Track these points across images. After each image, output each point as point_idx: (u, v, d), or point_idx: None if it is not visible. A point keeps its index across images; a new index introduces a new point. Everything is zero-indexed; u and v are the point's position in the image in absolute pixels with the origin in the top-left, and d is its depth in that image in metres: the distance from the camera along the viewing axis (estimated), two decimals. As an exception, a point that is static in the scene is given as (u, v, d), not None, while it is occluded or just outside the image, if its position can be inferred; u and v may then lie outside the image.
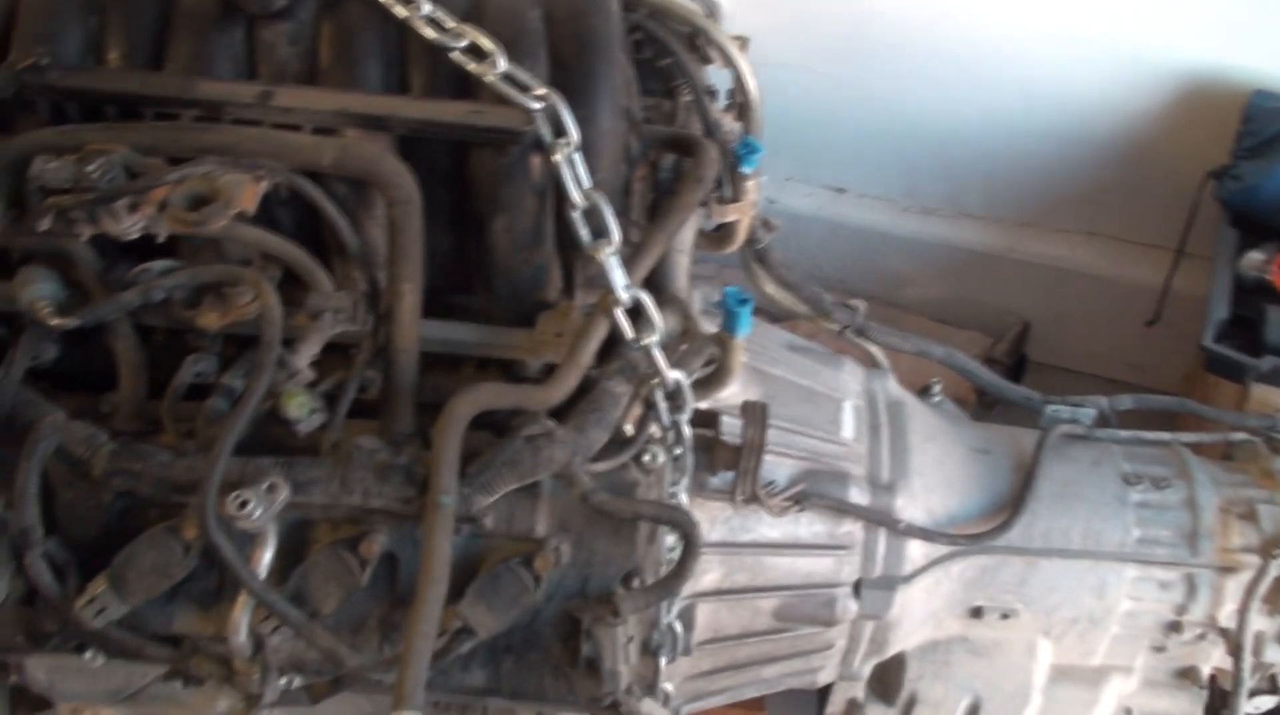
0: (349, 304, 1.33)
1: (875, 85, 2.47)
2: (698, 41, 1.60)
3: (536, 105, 1.28)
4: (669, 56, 1.57)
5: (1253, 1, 2.21)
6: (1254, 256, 2.24)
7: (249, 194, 1.25)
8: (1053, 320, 2.67)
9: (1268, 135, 2.26)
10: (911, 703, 1.90)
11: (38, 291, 1.32)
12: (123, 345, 1.36)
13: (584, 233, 1.32)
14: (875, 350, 1.96)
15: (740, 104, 1.65)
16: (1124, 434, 1.90)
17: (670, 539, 1.47)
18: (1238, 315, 2.20)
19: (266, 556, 1.29)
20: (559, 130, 1.29)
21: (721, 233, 1.68)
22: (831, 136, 2.51)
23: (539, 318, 1.41)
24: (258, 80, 1.33)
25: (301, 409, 1.28)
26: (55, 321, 1.31)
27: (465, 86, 1.32)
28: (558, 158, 1.30)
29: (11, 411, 1.31)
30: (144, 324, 1.38)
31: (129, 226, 1.26)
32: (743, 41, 1.63)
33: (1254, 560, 1.79)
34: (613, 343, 1.37)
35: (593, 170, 1.31)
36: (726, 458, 1.55)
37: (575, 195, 1.31)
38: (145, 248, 1.31)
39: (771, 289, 1.86)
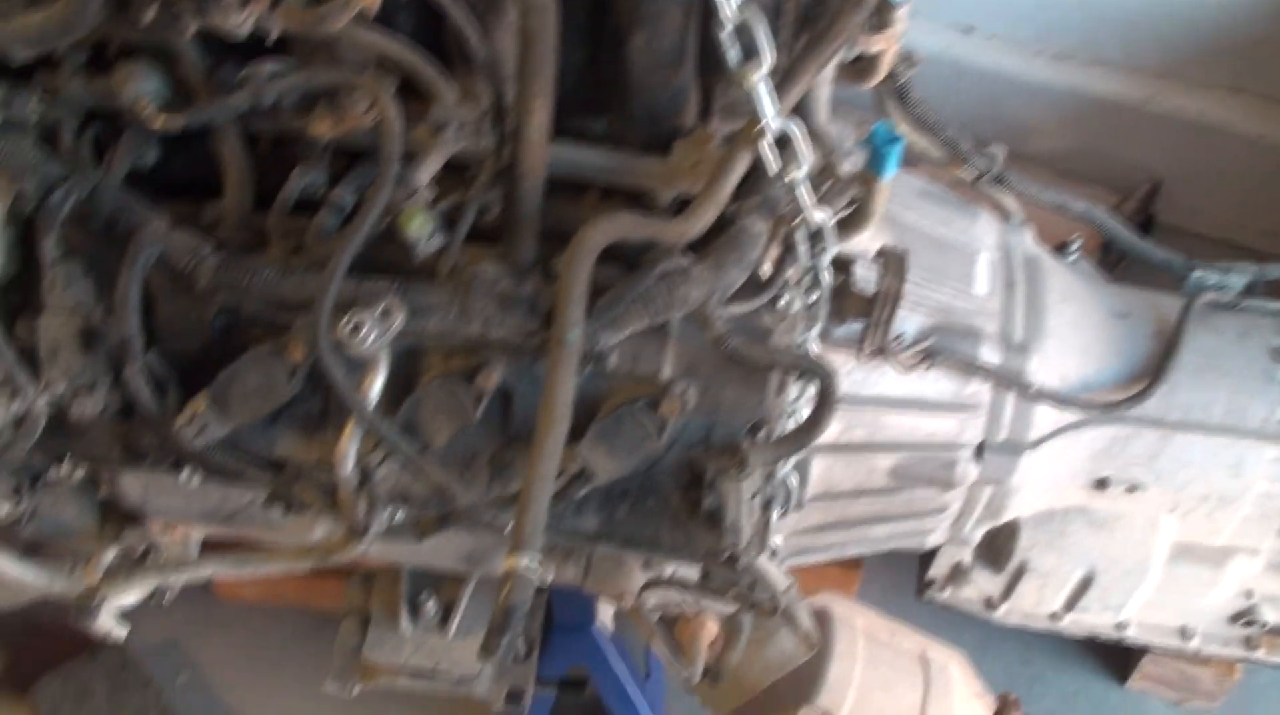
0: (474, 118, 1.22)
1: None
2: None
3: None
4: None
5: None
6: None
7: (373, -11, 1.14)
8: (1185, 180, 2.50)
9: None
10: (1021, 571, 1.84)
11: (141, 88, 1.22)
12: (230, 151, 1.26)
13: (733, 53, 1.19)
14: (1009, 201, 1.83)
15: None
16: (1275, 306, 1.77)
17: (794, 390, 1.38)
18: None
19: (377, 384, 1.21)
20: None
21: (862, 65, 1.54)
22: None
23: (674, 146, 1.29)
24: None
25: (421, 229, 1.18)
26: (159, 122, 1.21)
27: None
28: (708, -26, 1.16)
29: (112, 216, 1.23)
30: (250, 130, 1.28)
31: (240, 22, 1.15)
32: None
33: None
34: (751, 176, 1.26)
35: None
36: (857, 307, 1.45)
37: (726, 10, 1.17)
38: (252, 48, 1.21)
39: (906, 129, 1.72)
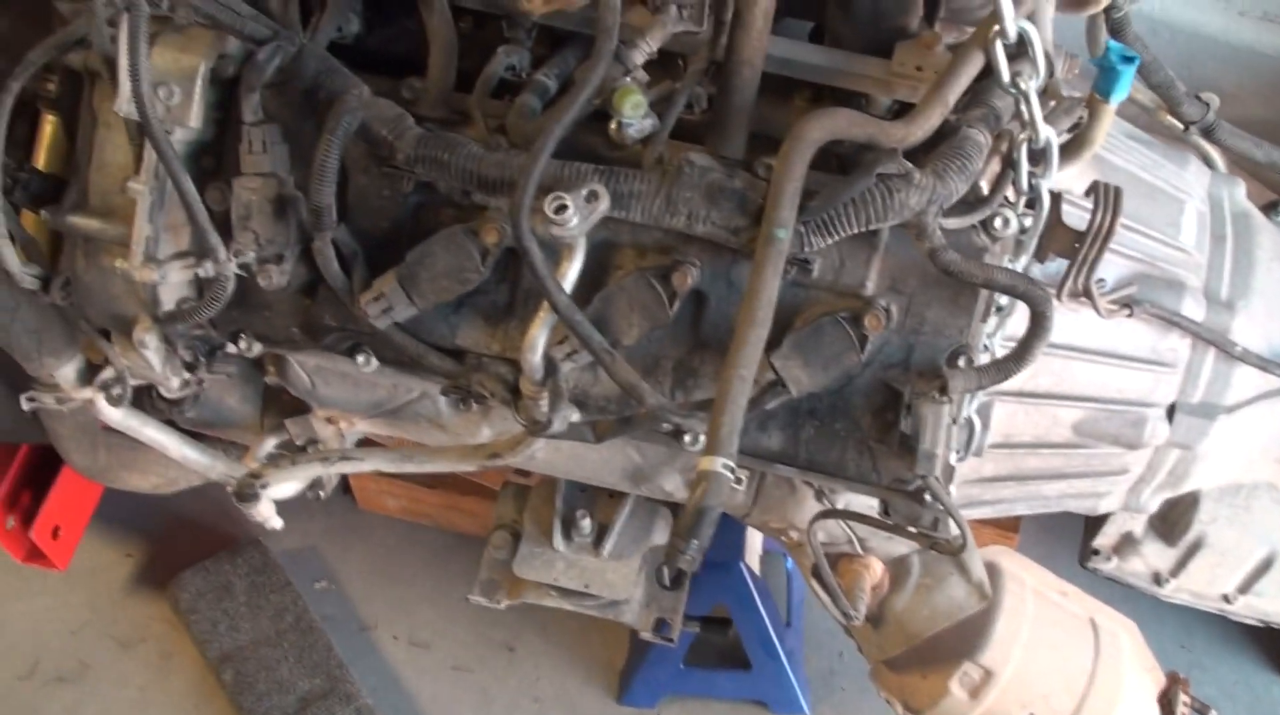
0: (695, 6, 1.16)
1: None
2: None
3: None
4: None
5: None
6: None
7: None
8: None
9: None
10: (1196, 546, 1.73)
11: (347, -53, 1.19)
12: (437, 21, 1.22)
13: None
14: (1216, 154, 1.72)
15: None
16: None
17: (993, 321, 1.31)
18: None
19: (573, 272, 1.17)
20: None
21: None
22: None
23: (897, 48, 1.23)
24: None
25: (637, 109, 1.14)
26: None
27: None
28: None
29: (315, 81, 1.20)
30: (456, 4, 1.25)
31: None
32: None
33: None
34: (976, 86, 1.19)
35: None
36: (1063, 242, 1.36)
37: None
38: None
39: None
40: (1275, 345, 1.55)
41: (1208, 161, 1.73)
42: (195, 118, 1.20)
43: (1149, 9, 2.35)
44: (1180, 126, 1.67)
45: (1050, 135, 1.20)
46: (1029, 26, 1.14)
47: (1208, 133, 1.67)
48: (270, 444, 1.57)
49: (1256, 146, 1.69)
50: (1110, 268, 1.49)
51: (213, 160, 1.26)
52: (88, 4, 1.19)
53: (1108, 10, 1.54)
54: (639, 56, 1.14)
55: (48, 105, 1.32)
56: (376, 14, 1.27)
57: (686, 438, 1.28)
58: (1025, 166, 1.22)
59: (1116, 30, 1.60)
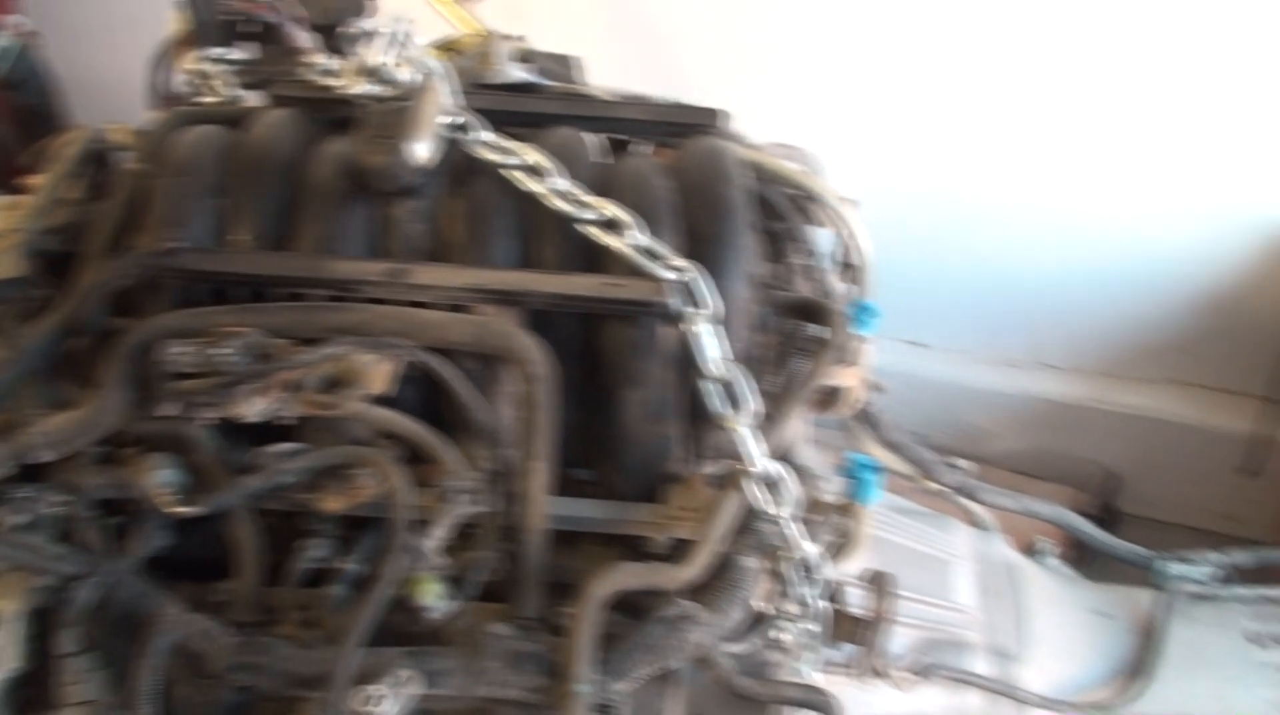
0: (480, 484, 1.28)
1: (955, 241, 2.47)
2: (807, 204, 1.59)
3: (671, 276, 1.26)
4: (781, 220, 1.55)
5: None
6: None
7: (383, 375, 1.23)
8: (1143, 471, 2.61)
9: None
10: None
11: (159, 478, 1.28)
12: (244, 532, 1.31)
13: (718, 404, 1.29)
14: (979, 510, 1.90)
15: (852, 266, 1.63)
16: (1246, 591, 1.83)
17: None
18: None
19: (394, 747, 1.22)
20: (693, 301, 1.27)
21: (833, 396, 1.64)
22: (910, 292, 2.49)
23: (667, 492, 1.36)
24: (388, 258, 1.31)
25: (433, 596, 1.23)
26: (177, 510, 1.27)
27: (597, 259, 1.31)
28: (693, 328, 1.27)
29: (128, 606, 1.26)
30: (259, 508, 1.34)
31: (258, 410, 1.23)
32: (852, 203, 1.61)
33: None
34: (743, 515, 1.33)
35: (728, 340, 1.28)
36: (848, 630, 1.49)
37: (711, 366, 1.27)
38: (259, 428, 1.29)
39: (875, 449, 1.82)
40: (1061, 685, 1.68)
41: (975, 518, 1.91)
42: (12, 659, 1.25)
43: (908, 369, 2.63)
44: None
45: (811, 551, 1.33)
46: (775, 466, 1.29)
47: (967, 494, 1.86)
48: None
49: (1012, 500, 1.88)
50: (900, 639, 1.62)
51: (32, 690, 1.29)
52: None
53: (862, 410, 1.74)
54: (433, 544, 1.25)
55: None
56: (187, 523, 1.35)
57: None
58: (796, 580, 1.34)
59: (872, 422, 1.80)
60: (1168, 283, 2.43)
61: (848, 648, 1.50)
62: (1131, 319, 2.51)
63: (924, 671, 1.57)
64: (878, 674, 1.53)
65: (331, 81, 1.43)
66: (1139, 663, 1.68)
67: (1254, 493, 2.46)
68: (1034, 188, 2.40)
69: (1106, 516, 2.68)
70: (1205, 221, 2.33)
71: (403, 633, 1.27)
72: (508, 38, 1.73)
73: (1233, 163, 2.25)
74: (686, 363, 1.29)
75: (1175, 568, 1.80)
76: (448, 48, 1.75)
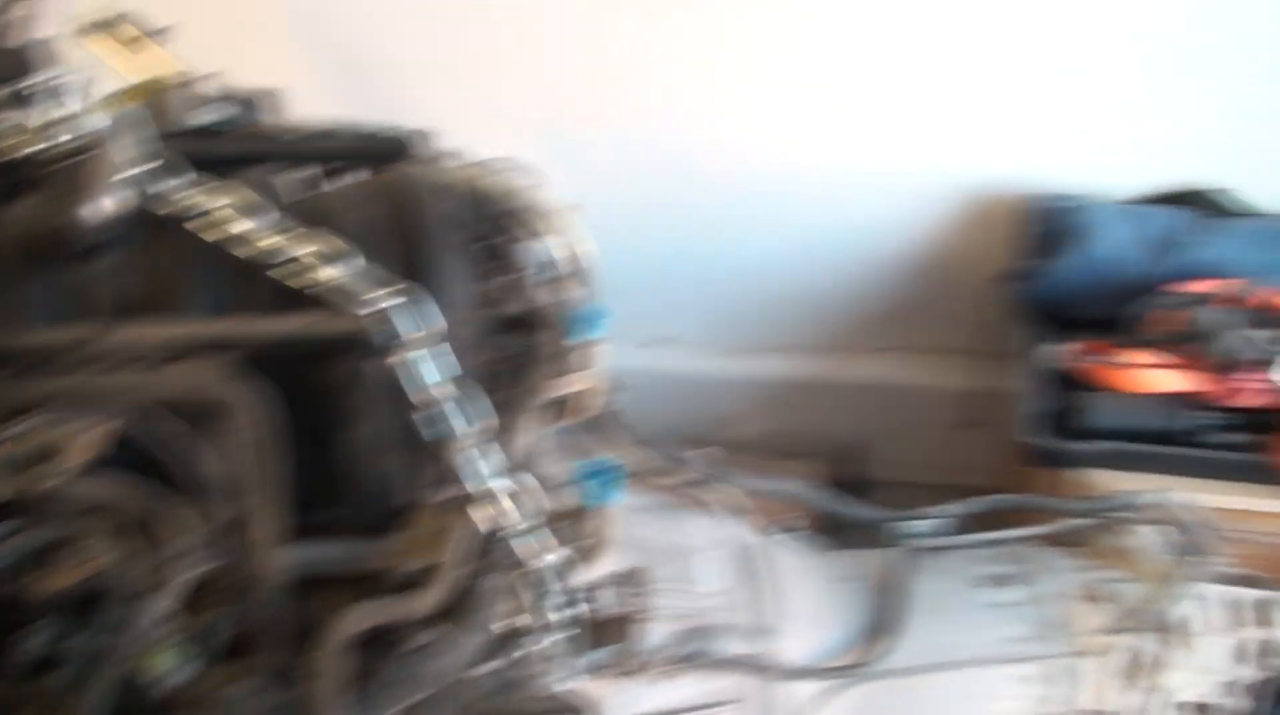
0: (207, 540, 1.26)
1: (679, 233, 2.55)
2: (524, 216, 1.61)
3: (380, 305, 1.26)
4: (500, 234, 1.56)
5: (1017, 115, 2.37)
6: (1055, 348, 2.36)
7: (85, 444, 1.19)
8: (885, 437, 2.75)
9: (1051, 233, 2.41)
10: None
11: None
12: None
13: (442, 428, 1.29)
14: (729, 495, 1.97)
15: (575, 271, 1.66)
16: (974, 538, 1.95)
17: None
18: (1047, 406, 2.30)
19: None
20: (405, 328, 1.27)
21: (572, 402, 1.67)
22: (648, 291, 2.56)
23: (403, 523, 1.36)
24: (88, 319, 1.27)
25: (168, 664, 1.20)
26: None
27: (308, 295, 1.29)
28: (407, 356, 1.27)
29: None
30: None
31: (-44, 501, 1.17)
32: (572, 210, 1.64)
33: (1107, 641, 1.85)
34: (485, 533, 1.34)
35: (447, 363, 1.29)
36: (605, 632, 1.52)
37: (429, 392, 1.28)
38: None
39: (623, 449, 1.86)
40: (819, 653, 1.76)
41: (725, 503, 1.97)
42: None
43: (652, 367, 2.70)
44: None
45: (557, 559, 1.35)
46: (511, 482, 1.31)
47: (717, 481, 1.92)
48: None
49: (756, 481, 1.95)
50: (658, 633, 1.66)
51: None
52: None
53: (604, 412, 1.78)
54: (161, 610, 1.21)
55: None
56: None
57: None
58: (546, 591, 1.36)
59: (614, 422, 1.84)
60: (875, 253, 2.57)
61: (609, 649, 1.54)
62: (847, 293, 2.65)
63: (684, 660, 1.62)
64: (639, 670, 1.57)
65: (4, 143, 1.37)
66: (882, 621, 1.78)
67: (978, 443, 2.62)
68: (743, 171, 2.49)
69: (858, 485, 2.82)
70: (903, 187, 2.47)
71: (141, 704, 1.24)
72: (200, 78, 1.69)
73: (924, 126, 2.39)
74: (405, 391, 1.30)
75: (905, 526, 1.90)
76: (136, 93, 1.70)
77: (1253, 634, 1.86)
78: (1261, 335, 2.20)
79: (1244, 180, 2.42)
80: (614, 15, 2.35)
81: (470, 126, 1.70)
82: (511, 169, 1.74)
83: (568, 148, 2.37)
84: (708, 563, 1.77)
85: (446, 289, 1.34)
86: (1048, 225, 2.43)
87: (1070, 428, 2.29)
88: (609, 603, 1.53)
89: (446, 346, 1.31)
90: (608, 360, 1.62)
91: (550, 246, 1.70)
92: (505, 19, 2.36)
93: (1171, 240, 2.38)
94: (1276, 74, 2.22)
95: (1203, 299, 2.26)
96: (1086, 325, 2.36)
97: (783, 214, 2.52)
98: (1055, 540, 2.06)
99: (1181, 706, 1.88)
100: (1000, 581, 1.88)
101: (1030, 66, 2.29)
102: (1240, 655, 1.86)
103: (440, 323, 1.30)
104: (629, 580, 1.51)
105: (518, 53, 2.39)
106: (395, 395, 1.32)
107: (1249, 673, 1.88)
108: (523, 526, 1.32)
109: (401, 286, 1.28)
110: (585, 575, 1.47)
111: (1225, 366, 2.20)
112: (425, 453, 1.38)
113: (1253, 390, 2.19)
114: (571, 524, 1.44)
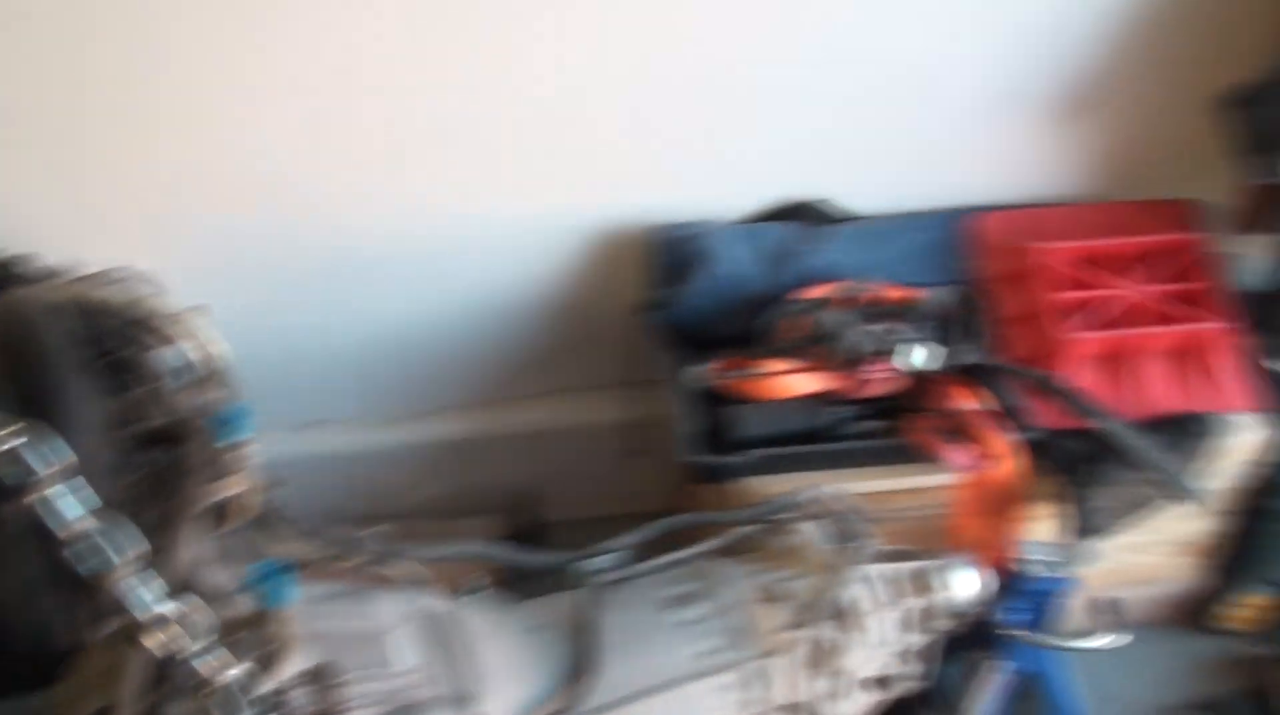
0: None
1: (313, 312, 2.50)
2: (147, 325, 1.55)
3: (9, 446, 1.19)
4: (126, 346, 1.50)
5: (632, 152, 2.46)
6: (698, 369, 2.46)
7: None
8: (551, 481, 2.80)
9: (676, 261, 2.53)
10: None
11: None
12: None
13: (95, 561, 1.23)
14: (409, 569, 1.96)
15: (212, 373, 1.61)
16: (649, 565, 2.02)
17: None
18: (699, 425, 2.41)
19: None
20: (39, 465, 1.21)
21: (232, 505, 1.62)
22: (289, 375, 2.50)
23: (72, 663, 1.29)
24: None
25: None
26: None
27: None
28: (41, 494, 1.21)
29: None
30: None
31: None
32: (197, 311, 1.59)
33: (790, 636, 1.96)
34: (161, 660, 1.29)
35: (85, 496, 1.23)
36: (311, 733, 1.49)
37: (73, 527, 1.22)
38: None
39: (290, 543, 1.81)
40: (523, 706, 1.78)
41: (406, 578, 1.95)
42: None
43: (311, 451, 2.64)
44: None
45: (239, 672, 1.32)
46: (176, 605, 1.26)
47: (392, 557, 1.90)
48: None
49: (433, 550, 1.94)
50: (364, 720, 1.64)
51: None
52: None
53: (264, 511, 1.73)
54: None
55: None
56: None
57: None
58: (234, 708, 1.32)
59: (276, 519, 1.79)
60: (517, 302, 2.61)
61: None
62: (495, 346, 2.68)
63: (392, 743, 1.60)
64: (347, 763, 1.54)
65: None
66: (580, 662, 1.82)
67: (645, 470, 2.72)
68: (362, 242, 2.46)
69: (538, 531, 2.86)
70: (532, 236, 2.51)
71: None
72: None
73: (543, 174, 2.43)
74: (49, 529, 1.23)
75: (587, 564, 1.95)
76: None
77: (914, 603, 2.01)
78: (878, 328, 2.38)
79: (840, 189, 2.60)
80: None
81: (72, 239, 1.63)
82: (126, 278, 1.67)
83: (178, 245, 2.28)
84: (398, 641, 1.75)
85: (74, 414, 1.28)
86: (672, 254, 2.54)
87: (723, 442, 2.40)
88: (303, 704, 1.49)
89: (81, 478, 1.25)
90: (260, 457, 1.58)
91: (181, 351, 1.64)
92: (96, 126, 2.22)
93: (786, 252, 2.54)
94: (857, 94, 2.40)
95: (822, 303, 2.42)
96: (723, 343, 2.46)
97: (416, 278, 2.51)
98: (728, 550, 2.15)
99: (865, 683, 2.02)
100: (685, 600, 1.96)
101: (637, 107, 2.37)
102: (907, 624, 2.01)
103: (70, 455, 1.24)
104: (320, 676, 1.49)
105: (105, 153, 2.24)
106: (41, 535, 1.25)
107: (917, 639, 2.04)
108: (199, 646, 1.28)
109: (22, 424, 1.21)
110: (274, 680, 1.43)
111: (852, 362, 2.35)
112: (82, 589, 1.32)
113: (880, 380, 2.36)
114: (252, 631, 1.41)
